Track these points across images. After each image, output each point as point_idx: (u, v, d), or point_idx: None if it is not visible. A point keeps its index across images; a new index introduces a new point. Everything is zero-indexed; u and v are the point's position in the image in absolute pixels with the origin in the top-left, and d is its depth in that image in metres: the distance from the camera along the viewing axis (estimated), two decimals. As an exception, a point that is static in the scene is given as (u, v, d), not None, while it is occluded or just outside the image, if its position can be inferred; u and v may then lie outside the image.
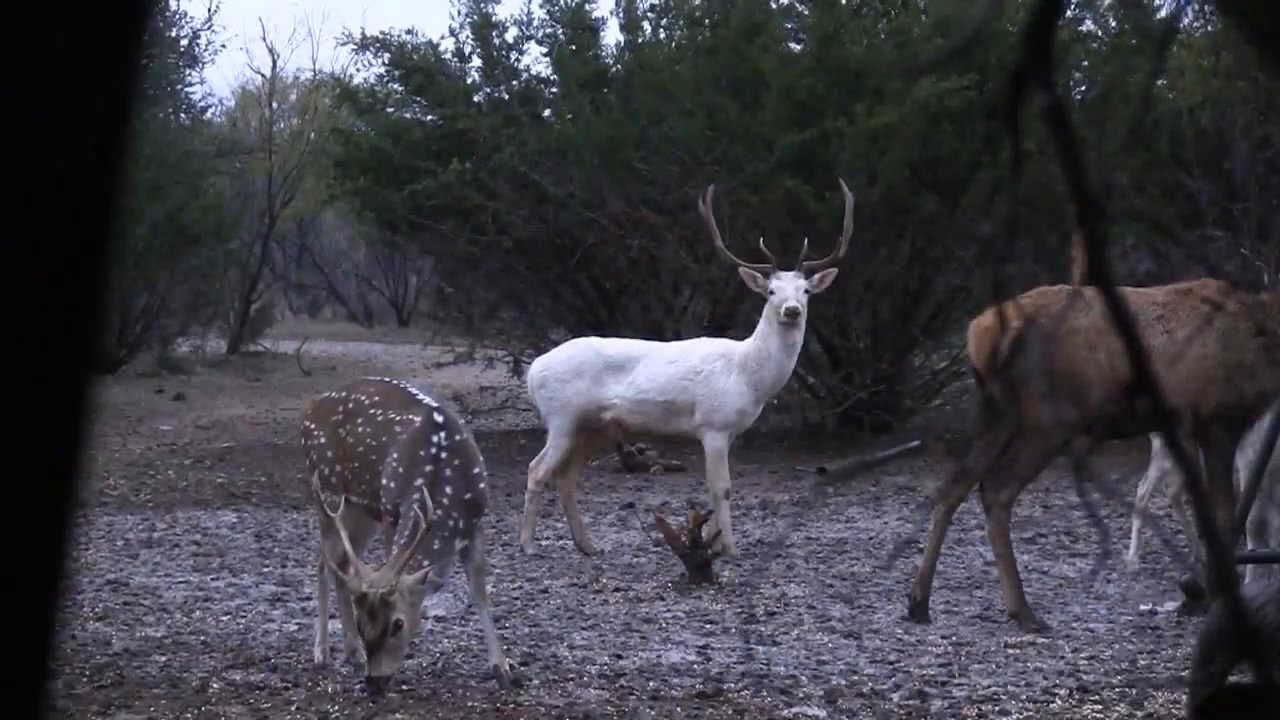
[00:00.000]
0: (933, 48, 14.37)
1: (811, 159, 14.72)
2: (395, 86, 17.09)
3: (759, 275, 10.10)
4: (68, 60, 1.14)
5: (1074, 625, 8.03)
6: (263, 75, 34.39)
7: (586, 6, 16.40)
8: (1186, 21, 14.75)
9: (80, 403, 1.16)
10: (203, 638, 7.65)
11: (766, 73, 14.92)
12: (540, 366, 10.58)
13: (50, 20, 1.13)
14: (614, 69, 16.44)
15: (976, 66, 14.35)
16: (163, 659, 7.22)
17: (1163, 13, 15.44)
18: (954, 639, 7.70)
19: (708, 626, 7.96)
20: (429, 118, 16.78)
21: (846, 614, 8.29)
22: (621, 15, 16.28)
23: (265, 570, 9.43)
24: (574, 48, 16.23)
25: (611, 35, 16.77)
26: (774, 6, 16.09)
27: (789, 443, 15.54)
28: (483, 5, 16.49)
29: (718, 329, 17.18)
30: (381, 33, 16.94)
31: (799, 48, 15.74)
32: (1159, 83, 14.96)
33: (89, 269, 1.16)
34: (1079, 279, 8.46)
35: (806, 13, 15.97)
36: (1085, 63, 15.67)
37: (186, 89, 28.50)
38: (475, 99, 16.62)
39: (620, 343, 10.95)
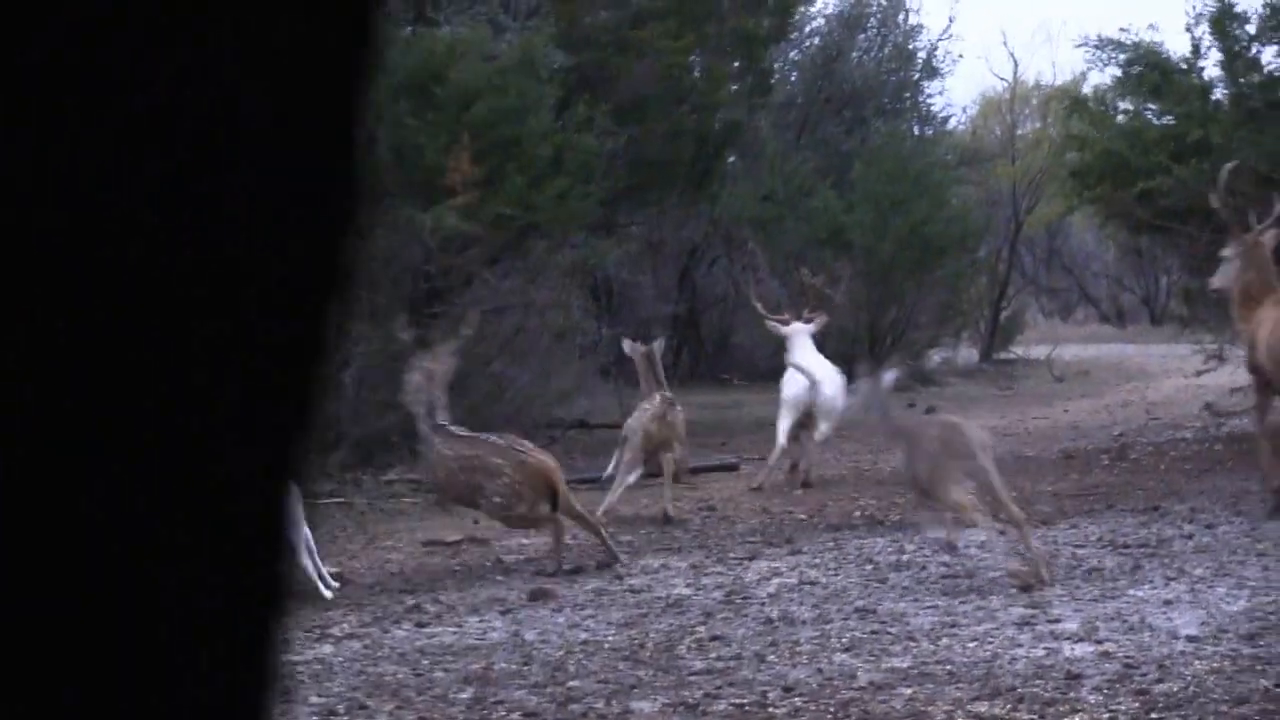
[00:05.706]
0: None
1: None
2: (1131, 88, 16.71)
3: None
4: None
5: None
6: (1004, 81, 34.36)
7: None
8: None
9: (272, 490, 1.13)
10: (949, 667, 7.46)
11: None
12: None
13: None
14: None
15: None
16: (908, 691, 7.06)
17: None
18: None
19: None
20: (1164, 119, 16.31)
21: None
22: None
23: (1011, 592, 9.16)
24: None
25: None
26: None
27: None
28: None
29: None
30: (1121, 29, 16.62)
31: None
32: None
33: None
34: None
35: None
36: None
37: (926, 100, 28.92)
38: (1213, 97, 16.01)
39: None
